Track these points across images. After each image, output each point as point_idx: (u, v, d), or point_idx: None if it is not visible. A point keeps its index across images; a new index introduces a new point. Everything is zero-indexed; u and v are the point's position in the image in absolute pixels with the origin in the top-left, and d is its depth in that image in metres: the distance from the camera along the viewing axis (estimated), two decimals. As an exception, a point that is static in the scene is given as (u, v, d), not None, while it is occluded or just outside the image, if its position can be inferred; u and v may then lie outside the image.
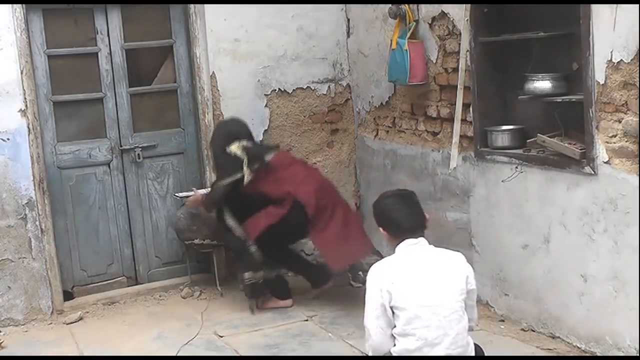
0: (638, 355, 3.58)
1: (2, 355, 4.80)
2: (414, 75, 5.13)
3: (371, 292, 3.38)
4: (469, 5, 4.60)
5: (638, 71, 3.66)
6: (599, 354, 4.08)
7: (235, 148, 5.09)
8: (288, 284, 5.39)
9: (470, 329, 3.53)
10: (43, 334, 5.15)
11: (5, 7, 5.11)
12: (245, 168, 5.06)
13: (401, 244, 3.43)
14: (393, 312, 3.35)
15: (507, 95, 4.71)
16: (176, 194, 5.78)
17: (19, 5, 5.18)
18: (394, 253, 3.45)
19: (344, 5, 6.09)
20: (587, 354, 4.14)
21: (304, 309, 5.24)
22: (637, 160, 3.73)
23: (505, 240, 4.70)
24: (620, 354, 3.95)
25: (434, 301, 3.31)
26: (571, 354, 4.18)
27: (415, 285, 3.33)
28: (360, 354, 3.61)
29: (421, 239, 3.45)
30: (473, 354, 3.46)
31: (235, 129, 5.24)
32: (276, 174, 5.14)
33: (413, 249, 3.42)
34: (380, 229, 3.53)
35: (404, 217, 3.46)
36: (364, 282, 3.65)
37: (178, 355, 4.62)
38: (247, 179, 5.06)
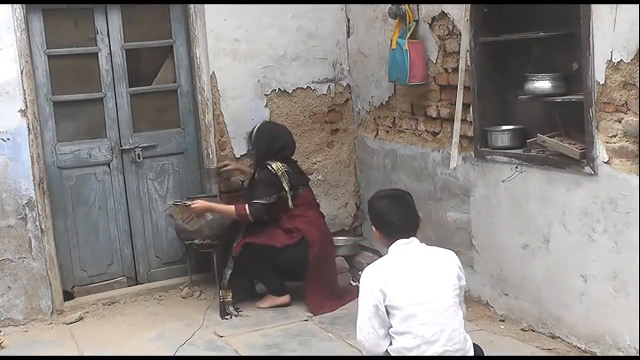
0: (638, 355, 3.57)
1: (2, 355, 4.80)
2: (413, 75, 5.14)
3: (363, 293, 3.40)
4: (469, 5, 4.61)
5: (638, 71, 3.65)
6: (599, 354, 4.08)
7: (277, 168, 5.19)
8: (282, 280, 5.37)
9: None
10: (43, 334, 5.15)
11: (6, 7, 5.11)
12: (287, 192, 5.22)
13: (394, 244, 3.46)
14: (388, 312, 3.36)
15: (507, 95, 4.71)
16: (176, 202, 5.65)
17: (19, 5, 5.18)
18: (386, 253, 3.47)
19: (343, 5, 6.10)
20: (587, 354, 4.14)
21: (304, 309, 5.24)
22: (637, 160, 3.73)
23: (505, 240, 4.70)
24: (620, 353, 3.95)
25: (428, 298, 3.33)
26: (571, 354, 4.18)
27: (409, 284, 3.35)
28: (359, 354, 3.60)
29: (413, 238, 3.47)
30: (472, 349, 3.47)
31: (282, 143, 5.34)
32: (297, 209, 5.28)
33: (405, 248, 3.45)
34: (373, 227, 3.55)
35: (397, 219, 3.48)
36: None
37: (177, 355, 4.61)
38: (290, 204, 5.25)
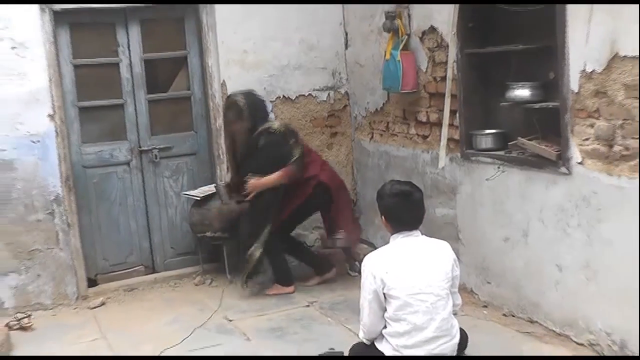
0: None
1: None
2: (405, 83, 5.14)
3: (365, 278, 3.44)
4: (456, 20, 4.59)
5: (609, 80, 3.66)
6: (572, 337, 4.08)
7: (279, 127, 5.11)
8: (291, 272, 5.39)
9: (455, 313, 3.56)
10: (69, 317, 5.16)
11: (36, 23, 5.11)
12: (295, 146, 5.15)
13: (397, 234, 3.50)
14: (385, 299, 3.40)
15: (490, 102, 4.70)
16: (184, 193, 5.77)
17: (48, 20, 5.18)
18: (388, 242, 3.52)
19: (342, 19, 6.09)
20: (561, 337, 4.14)
21: (306, 295, 5.24)
22: (608, 160, 3.73)
23: (488, 233, 4.70)
24: (592, 337, 3.95)
25: (422, 289, 3.37)
26: (547, 337, 4.18)
27: (406, 275, 3.38)
28: (358, 340, 3.62)
29: (415, 231, 3.51)
30: (458, 335, 3.49)
31: (267, 106, 5.29)
32: (305, 157, 5.22)
33: (406, 239, 3.48)
34: (383, 217, 3.56)
35: (406, 216, 3.50)
36: (359, 272, 3.68)
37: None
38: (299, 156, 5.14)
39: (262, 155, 5.09)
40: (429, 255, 3.46)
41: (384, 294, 3.38)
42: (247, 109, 5.07)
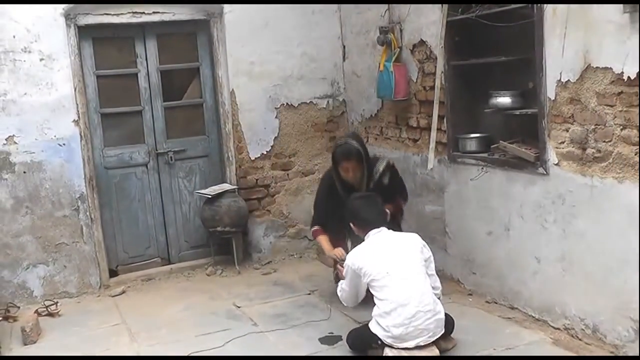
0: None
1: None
2: (398, 92, 5.14)
3: (347, 268, 3.74)
4: (444, 34, 4.58)
5: (583, 89, 3.66)
6: (550, 322, 4.07)
7: (386, 159, 4.73)
8: None
9: (438, 297, 3.64)
10: (92, 304, 5.17)
11: (62, 36, 5.12)
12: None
13: (369, 233, 3.76)
14: (371, 287, 3.62)
15: (474, 108, 4.69)
16: (197, 191, 5.77)
17: (73, 34, 5.19)
18: (363, 241, 3.82)
19: (340, 34, 6.07)
20: (540, 322, 4.14)
21: (307, 284, 5.25)
22: (582, 162, 3.74)
23: (473, 228, 4.70)
24: (568, 322, 3.95)
25: (398, 270, 3.54)
26: (527, 322, 4.17)
27: (383, 262, 3.59)
28: (355, 325, 3.67)
29: (382, 228, 3.77)
30: (442, 312, 3.59)
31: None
32: None
33: (378, 236, 3.74)
34: (351, 224, 3.89)
35: (369, 214, 3.81)
36: None
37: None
38: None
39: (391, 190, 4.64)
40: (399, 244, 3.69)
41: (368, 283, 3.60)
42: (363, 151, 4.58)
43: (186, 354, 4.08)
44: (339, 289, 3.95)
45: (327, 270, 5.37)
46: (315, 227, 4.72)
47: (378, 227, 3.77)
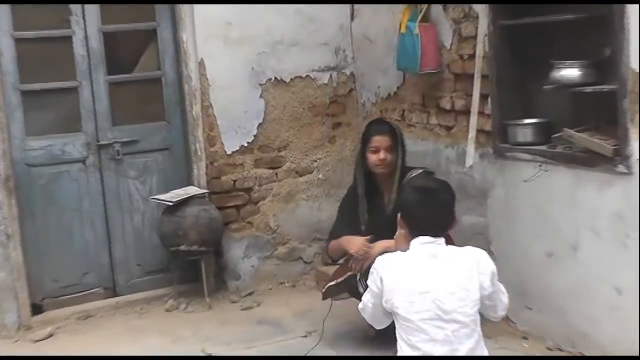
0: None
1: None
2: (425, 62, 5.15)
3: (371, 278, 3.50)
4: (488, -17, 4.59)
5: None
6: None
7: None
8: None
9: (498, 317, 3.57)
10: (8, 352, 5.10)
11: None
12: None
13: (415, 240, 3.46)
14: (395, 319, 3.41)
15: (529, 85, 4.70)
16: (153, 197, 5.74)
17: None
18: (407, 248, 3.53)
19: (347, -16, 6.09)
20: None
21: (303, 322, 5.24)
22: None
23: (527, 247, 4.70)
24: (658, 376, 3.92)
25: (439, 314, 3.31)
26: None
27: (419, 294, 3.33)
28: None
29: (439, 239, 3.47)
30: None
31: None
32: None
33: (426, 247, 3.44)
34: (399, 215, 3.59)
35: (424, 216, 3.47)
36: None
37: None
38: None
39: None
40: (453, 270, 3.40)
41: (389, 310, 3.40)
42: (399, 133, 4.88)
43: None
44: (360, 304, 3.73)
45: (327, 303, 5.29)
46: (332, 242, 4.91)
47: (432, 235, 3.48)
